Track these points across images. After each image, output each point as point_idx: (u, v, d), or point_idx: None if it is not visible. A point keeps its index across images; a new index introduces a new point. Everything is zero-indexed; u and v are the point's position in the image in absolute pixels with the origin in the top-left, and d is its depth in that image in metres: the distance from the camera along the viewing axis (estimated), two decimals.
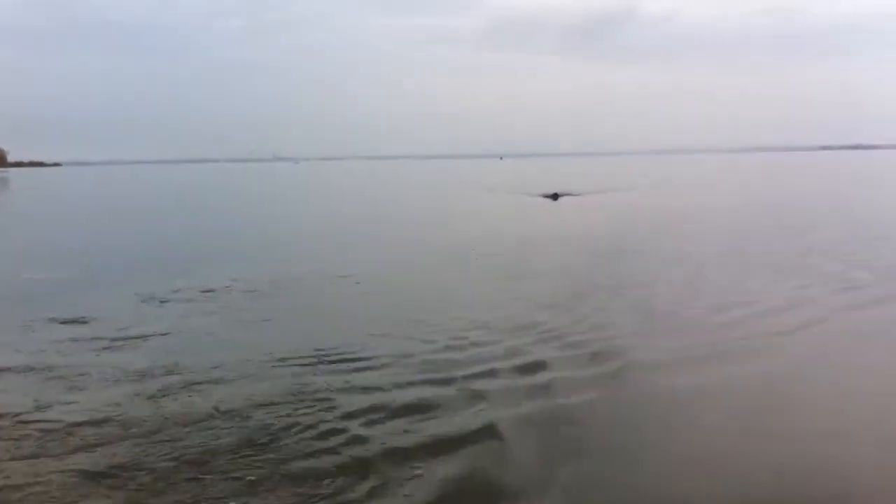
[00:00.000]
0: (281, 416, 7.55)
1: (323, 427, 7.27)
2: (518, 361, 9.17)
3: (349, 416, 7.56)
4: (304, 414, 7.60)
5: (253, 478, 6.23)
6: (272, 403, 7.89)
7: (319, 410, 7.71)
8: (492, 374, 8.79)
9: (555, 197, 40.14)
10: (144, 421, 7.46)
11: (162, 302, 13.46)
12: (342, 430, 7.19)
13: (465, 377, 8.63)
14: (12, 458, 6.63)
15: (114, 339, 10.73)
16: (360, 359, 9.42)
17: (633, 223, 26.36)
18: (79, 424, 7.37)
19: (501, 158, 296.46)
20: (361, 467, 6.42)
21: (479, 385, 8.39)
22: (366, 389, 8.32)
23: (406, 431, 7.21)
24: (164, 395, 8.23)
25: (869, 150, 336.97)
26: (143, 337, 10.88)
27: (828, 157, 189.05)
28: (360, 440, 6.99)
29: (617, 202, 38.01)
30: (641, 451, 6.83)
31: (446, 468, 6.42)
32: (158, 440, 7.00)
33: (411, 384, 8.50)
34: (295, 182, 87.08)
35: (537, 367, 8.96)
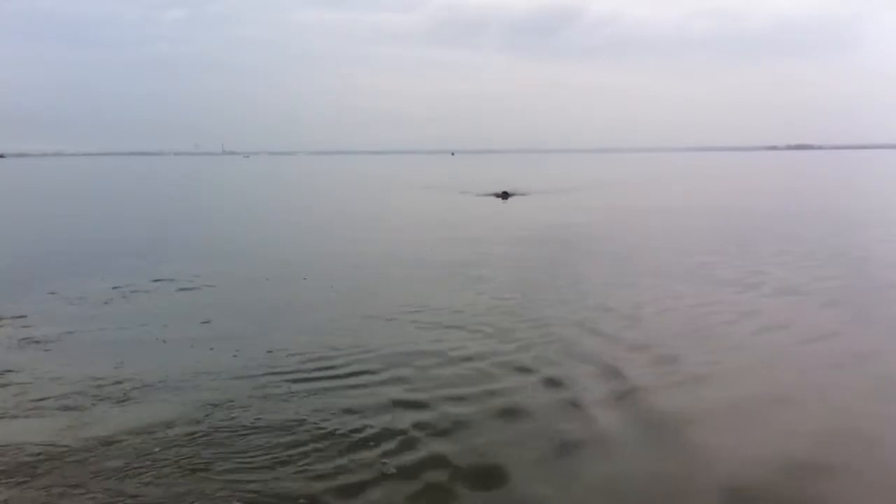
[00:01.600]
0: (215, 421, 7.31)
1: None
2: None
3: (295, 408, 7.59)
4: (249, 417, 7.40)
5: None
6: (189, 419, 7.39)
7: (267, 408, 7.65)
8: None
9: (504, 196, 38.90)
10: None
11: (78, 299, 12.98)
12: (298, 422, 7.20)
13: None
14: None
15: (27, 341, 10.27)
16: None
17: (582, 227, 25.18)
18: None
19: (453, 154, 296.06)
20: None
21: None
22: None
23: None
24: (72, 407, 7.73)
25: (814, 151, 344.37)
26: (59, 338, 10.41)
27: (773, 157, 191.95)
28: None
29: (568, 203, 36.81)
30: None
31: None
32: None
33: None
34: (238, 176, 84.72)
35: None
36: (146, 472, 6.16)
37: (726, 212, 29.77)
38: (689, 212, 30.40)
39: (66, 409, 7.64)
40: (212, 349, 9.79)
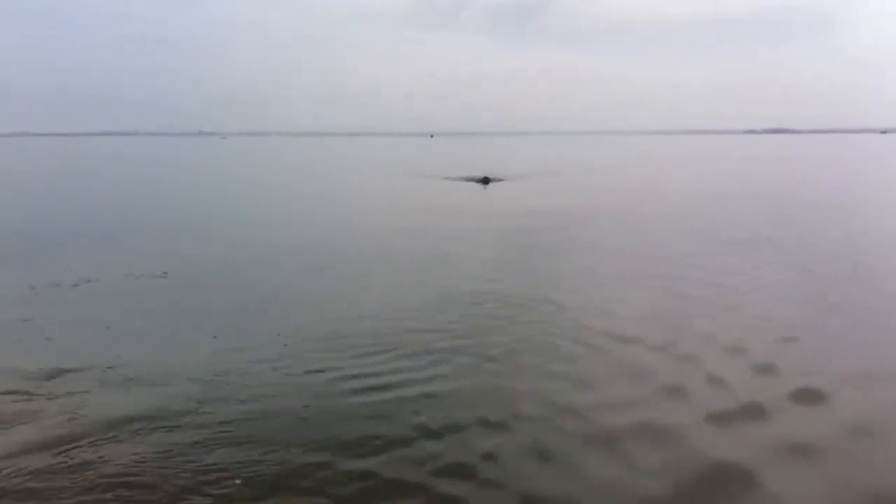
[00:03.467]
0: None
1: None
2: None
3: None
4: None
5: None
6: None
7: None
8: None
9: (485, 181, 37.67)
10: None
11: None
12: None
13: None
14: None
15: None
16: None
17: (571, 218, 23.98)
18: None
19: (432, 136, 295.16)
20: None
21: None
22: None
23: None
24: None
25: (791, 135, 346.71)
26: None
27: (750, 140, 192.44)
28: None
29: (549, 188, 35.47)
30: None
31: None
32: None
33: None
34: (206, 159, 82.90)
35: None
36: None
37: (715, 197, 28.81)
38: (676, 197, 29.36)
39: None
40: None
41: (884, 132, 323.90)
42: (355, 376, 7.92)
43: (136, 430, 6.57)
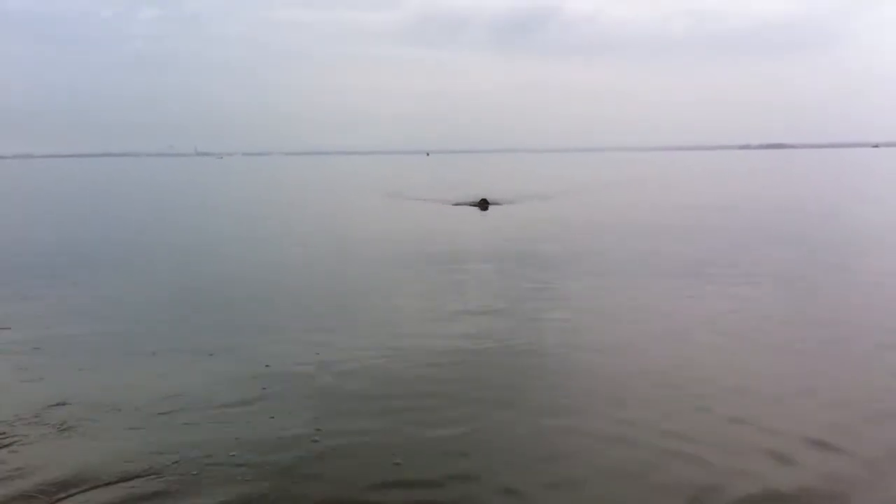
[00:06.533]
0: None
1: None
2: None
3: None
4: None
5: None
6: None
7: None
8: None
9: (483, 205, 36.15)
10: None
11: None
12: None
13: None
14: None
15: None
16: None
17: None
18: None
19: (428, 154, 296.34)
20: None
21: None
22: None
23: None
24: None
25: (788, 150, 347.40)
26: None
27: (746, 156, 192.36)
28: None
29: (556, 216, 34.29)
30: None
31: None
32: None
33: None
34: (206, 179, 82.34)
35: None
36: None
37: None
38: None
39: None
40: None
41: (875, 146, 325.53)
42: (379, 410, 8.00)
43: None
